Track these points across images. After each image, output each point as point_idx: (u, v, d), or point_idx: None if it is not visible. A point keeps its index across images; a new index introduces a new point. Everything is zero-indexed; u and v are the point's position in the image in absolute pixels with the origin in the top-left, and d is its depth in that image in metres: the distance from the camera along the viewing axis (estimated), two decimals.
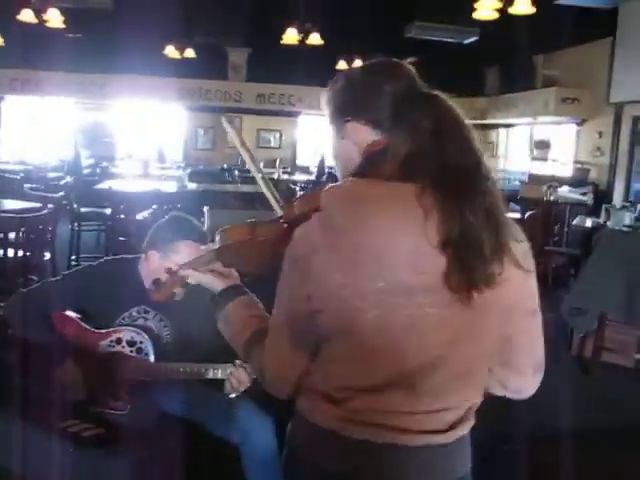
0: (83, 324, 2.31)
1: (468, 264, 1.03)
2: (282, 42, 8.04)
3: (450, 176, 1.05)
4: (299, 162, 13.42)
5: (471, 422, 1.18)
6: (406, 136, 1.08)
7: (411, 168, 1.06)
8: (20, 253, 3.95)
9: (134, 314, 2.37)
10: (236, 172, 9.95)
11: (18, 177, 7.17)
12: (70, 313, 2.34)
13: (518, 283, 1.11)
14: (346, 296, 1.05)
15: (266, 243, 1.26)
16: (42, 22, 7.06)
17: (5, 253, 3.88)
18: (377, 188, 1.08)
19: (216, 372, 2.19)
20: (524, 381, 1.25)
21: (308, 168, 12.81)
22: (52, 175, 9.49)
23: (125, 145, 12.72)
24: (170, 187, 6.38)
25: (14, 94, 11.59)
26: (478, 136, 1.13)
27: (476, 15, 5.94)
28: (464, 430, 1.17)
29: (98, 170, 9.55)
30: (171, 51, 9.42)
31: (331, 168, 11.88)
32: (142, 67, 10.65)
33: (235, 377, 2.15)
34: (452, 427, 1.14)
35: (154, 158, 11.75)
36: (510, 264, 1.08)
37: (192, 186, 6.63)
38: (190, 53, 9.55)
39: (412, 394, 1.10)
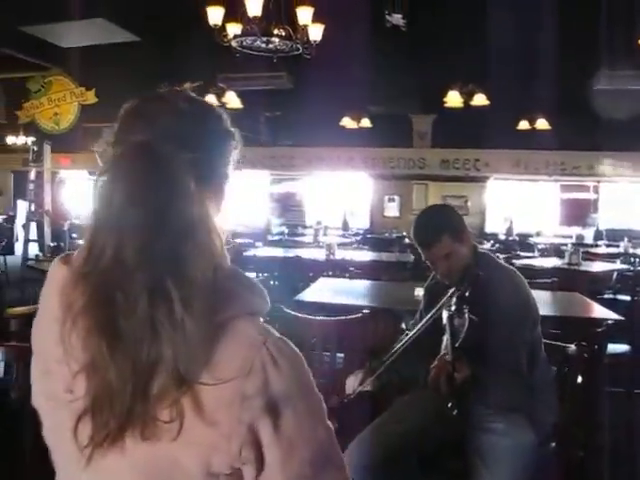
0: None
1: (96, 407, 0.73)
2: (446, 105, 7.79)
3: (98, 271, 0.73)
4: (488, 229, 12.74)
5: None
6: None
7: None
8: None
9: None
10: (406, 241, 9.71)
11: None
12: None
13: (206, 438, 0.74)
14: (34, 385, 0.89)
15: None
16: (222, 104, 7.81)
17: None
18: (60, 271, 0.84)
19: None
20: None
21: (497, 235, 12.08)
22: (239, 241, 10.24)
23: (314, 213, 13.30)
24: (316, 254, 6.40)
25: None
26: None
27: None
28: None
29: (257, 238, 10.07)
30: (348, 122, 9.75)
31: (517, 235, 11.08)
32: (326, 138, 11.16)
33: None
34: None
35: (339, 226, 12.12)
36: (192, 411, 0.73)
37: (343, 254, 6.55)
38: (366, 122, 9.79)
39: None
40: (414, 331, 2.23)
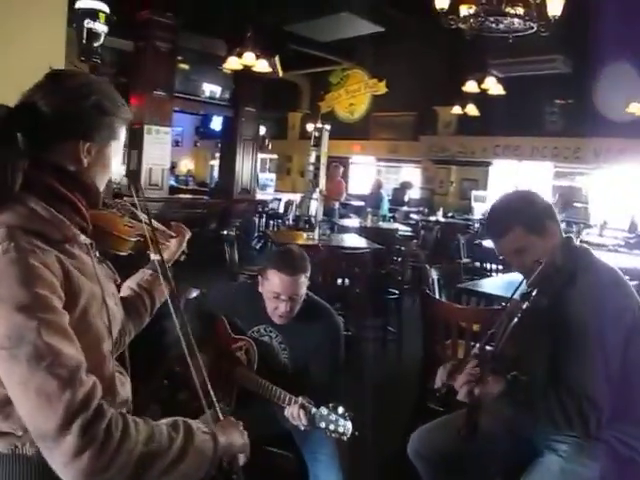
0: (227, 327, 2.72)
1: None
2: None
3: None
4: None
5: None
6: None
7: None
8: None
9: (262, 330, 2.67)
10: None
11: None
12: (224, 318, 2.78)
13: None
14: None
15: None
16: (483, 91, 7.70)
17: None
18: None
19: (284, 399, 2.30)
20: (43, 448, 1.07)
21: None
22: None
23: (600, 212, 12.09)
24: None
25: (497, 159, 12.66)
26: None
27: None
28: None
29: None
30: (637, 109, 8.61)
31: None
32: (614, 128, 10.01)
33: (289, 411, 2.24)
34: None
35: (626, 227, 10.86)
36: None
37: None
38: None
39: None
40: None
